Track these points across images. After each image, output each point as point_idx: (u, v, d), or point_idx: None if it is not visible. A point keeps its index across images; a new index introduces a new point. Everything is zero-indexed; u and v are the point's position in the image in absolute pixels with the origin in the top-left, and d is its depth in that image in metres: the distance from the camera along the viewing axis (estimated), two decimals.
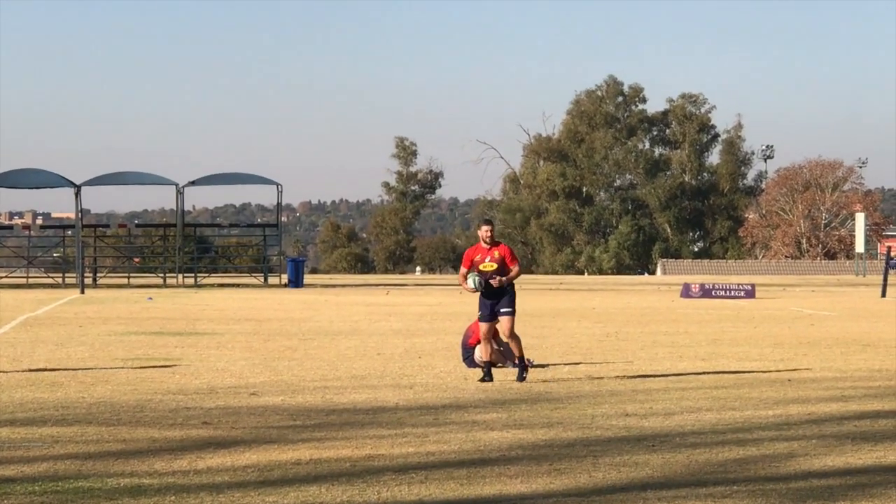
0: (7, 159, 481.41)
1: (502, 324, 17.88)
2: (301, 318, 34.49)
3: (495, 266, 17.66)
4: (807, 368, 19.90)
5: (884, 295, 52.41)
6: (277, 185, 69.18)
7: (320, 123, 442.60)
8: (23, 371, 18.77)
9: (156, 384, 17.13)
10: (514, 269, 17.78)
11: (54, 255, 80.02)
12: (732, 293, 52.36)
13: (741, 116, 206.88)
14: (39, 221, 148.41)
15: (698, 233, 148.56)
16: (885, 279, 54.32)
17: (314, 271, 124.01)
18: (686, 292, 52.56)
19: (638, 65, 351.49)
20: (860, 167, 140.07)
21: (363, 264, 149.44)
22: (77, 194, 65.68)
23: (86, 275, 61.23)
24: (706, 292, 52.18)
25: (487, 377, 17.68)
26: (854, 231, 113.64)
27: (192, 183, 68.64)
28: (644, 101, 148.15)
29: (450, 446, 11.96)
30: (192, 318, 33.73)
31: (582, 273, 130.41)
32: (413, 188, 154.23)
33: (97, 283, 65.92)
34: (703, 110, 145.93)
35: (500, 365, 19.34)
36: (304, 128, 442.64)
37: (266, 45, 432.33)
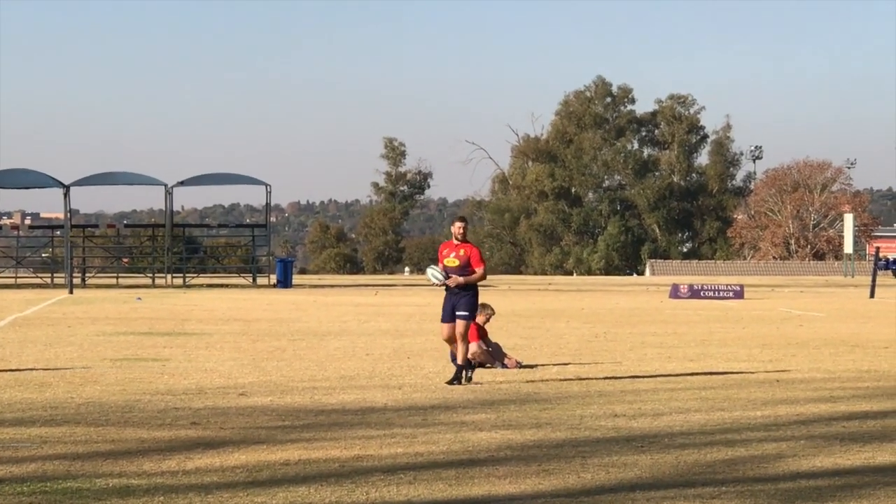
0: None
1: (456, 326, 17.42)
2: (290, 318, 34.46)
3: (458, 263, 17.40)
4: (795, 369, 19.92)
5: (872, 296, 52.48)
6: (266, 185, 69.26)
7: (309, 124, 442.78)
8: (11, 371, 18.73)
9: (144, 384, 17.11)
10: (479, 271, 17.41)
11: (43, 255, 79.97)
12: (721, 294, 52.43)
13: (730, 117, 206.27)
14: (28, 222, 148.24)
15: (687, 233, 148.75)
16: (874, 280, 54.41)
17: (303, 272, 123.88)
18: (675, 293, 52.61)
19: (627, 65, 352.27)
20: (849, 168, 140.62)
21: (352, 265, 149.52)
22: (66, 194, 65.62)
23: (74, 275, 61.17)
24: (695, 293, 52.25)
25: (456, 380, 17.33)
26: (843, 232, 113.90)
27: (181, 183, 68.64)
28: (633, 101, 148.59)
29: (439, 447, 11.96)
30: (180, 319, 33.68)
31: (571, 273, 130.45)
32: (402, 188, 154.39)
33: (86, 283, 65.87)
34: (691, 111, 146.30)
35: (488, 366, 19.35)
36: (292, 128, 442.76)
37: (255, 45, 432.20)
